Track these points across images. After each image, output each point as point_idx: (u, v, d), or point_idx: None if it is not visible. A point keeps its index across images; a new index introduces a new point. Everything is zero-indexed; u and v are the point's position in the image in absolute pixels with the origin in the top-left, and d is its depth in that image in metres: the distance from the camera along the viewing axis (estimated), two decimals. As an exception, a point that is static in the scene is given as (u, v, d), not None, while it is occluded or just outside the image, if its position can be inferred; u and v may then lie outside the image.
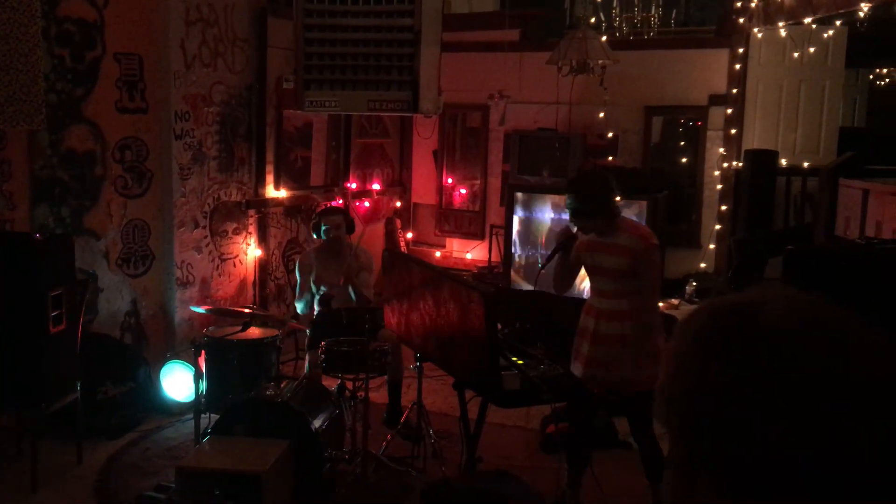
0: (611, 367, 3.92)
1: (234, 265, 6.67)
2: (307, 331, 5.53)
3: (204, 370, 4.67)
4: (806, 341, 0.83)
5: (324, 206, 6.54)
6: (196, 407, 4.60)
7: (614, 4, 8.46)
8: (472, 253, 8.43)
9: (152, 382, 5.64)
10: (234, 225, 6.63)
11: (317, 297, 5.55)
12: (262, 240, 6.90)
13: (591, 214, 4.00)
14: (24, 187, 5.09)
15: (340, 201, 7.40)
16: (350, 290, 5.48)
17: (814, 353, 0.82)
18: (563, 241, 4.13)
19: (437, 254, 8.56)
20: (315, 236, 5.70)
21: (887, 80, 11.71)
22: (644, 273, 3.92)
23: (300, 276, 5.68)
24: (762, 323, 0.85)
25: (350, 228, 5.68)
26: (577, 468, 4.19)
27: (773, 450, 0.80)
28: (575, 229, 4.13)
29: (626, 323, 3.93)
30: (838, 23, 6.91)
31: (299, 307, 5.75)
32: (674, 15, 8.76)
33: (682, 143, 7.81)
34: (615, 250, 3.97)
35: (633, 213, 6.78)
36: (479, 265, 8.12)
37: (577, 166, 7.33)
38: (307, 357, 5.31)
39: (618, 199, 4.06)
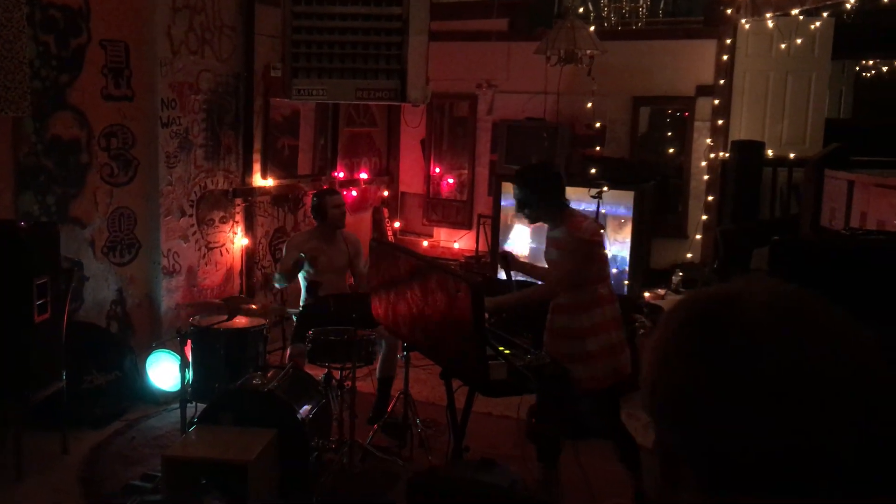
0: (565, 361, 3.96)
1: (221, 254, 6.64)
2: (293, 317, 5.51)
3: (190, 359, 4.66)
4: (784, 333, 0.82)
5: (322, 189, 6.51)
6: (182, 396, 4.59)
7: (603, -6, 8.44)
8: (459, 242, 8.43)
9: (138, 371, 5.62)
10: (221, 213, 6.60)
11: (303, 284, 5.53)
12: (249, 228, 6.88)
13: (533, 205, 4.14)
14: (9, 175, 5.05)
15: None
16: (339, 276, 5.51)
17: (791, 345, 0.81)
18: (504, 265, 4.40)
19: (425, 243, 8.55)
20: (315, 218, 5.62)
21: (873, 71, 11.76)
22: (560, 259, 4.05)
23: (287, 251, 5.60)
24: (740, 314, 0.84)
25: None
26: (548, 463, 4.23)
27: (751, 442, 0.80)
28: (508, 248, 4.29)
29: (571, 317, 4.07)
30: (825, 14, 6.93)
31: (277, 281, 5.68)
32: (662, 5, 8.74)
33: (670, 134, 7.83)
34: (553, 244, 4.16)
35: (620, 203, 6.79)
36: (467, 255, 8.12)
37: (565, 156, 7.34)
38: (289, 349, 5.30)
39: (563, 192, 4.15)
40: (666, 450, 0.89)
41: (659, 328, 0.91)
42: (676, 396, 0.86)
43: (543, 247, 4.37)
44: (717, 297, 0.89)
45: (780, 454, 0.80)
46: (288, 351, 5.30)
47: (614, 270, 6.90)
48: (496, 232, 7.31)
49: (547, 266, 4.26)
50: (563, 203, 4.14)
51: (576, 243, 3.98)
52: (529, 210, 4.17)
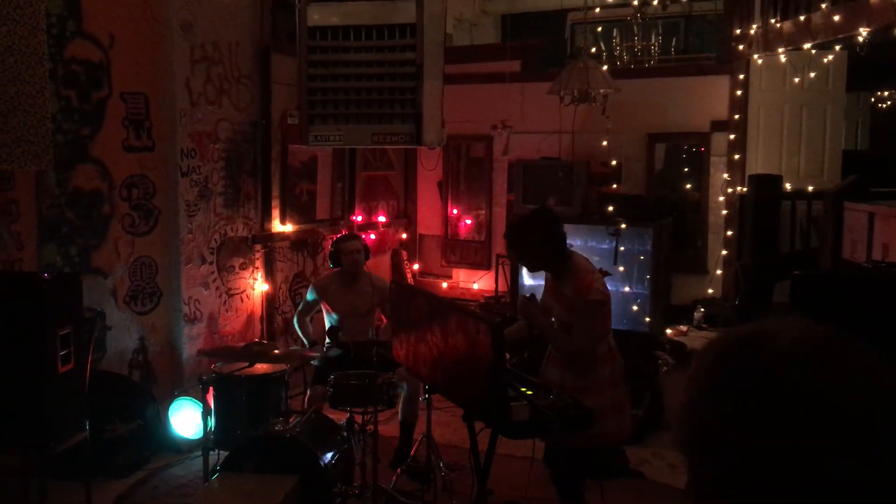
0: None
1: (242, 300, 6.67)
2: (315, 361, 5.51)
3: (212, 407, 4.66)
4: (813, 372, 0.84)
5: (341, 234, 6.57)
6: (204, 444, 4.59)
7: (614, 34, 8.53)
8: (478, 283, 8.43)
9: (160, 420, 5.62)
10: (241, 260, 6.65)
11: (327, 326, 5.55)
12: (269, 274, 6.91)
13: (528, 260, 4.03)
14: (32, 227, 5.12)
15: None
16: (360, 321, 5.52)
17: (821, 384, 0.83)
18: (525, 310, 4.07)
19: (444, 284, 8.56)
20: (332, 266, 5.66)
21: (889, 102, 11.74)
22: (578, 326, 3.90)
23: (310, 295, 5.72)
24: (771, 354, 0.86)
25: (367, 254, 5.70)
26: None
27: (783, 478, 0.81)
28: (529, 294, 4.12)
29: (565, 372, 3.98)
30: (838, 48, 6.94)
31: (295, 322, 5.85)
32: (674, 43, 8.82)
33: (686, 170, 7.83)
34: (559, 298, 3.99)
35: (638, 239, 6.78)
36: (486, 295, 8.11)
37: (582, 194, 7.35)
38: (308, 392, 5.29)
39: (560, 240, 3.97)
40: (698, 483, 0.90)
41: (693, 365, 0.93)
42: (708, 431, 0.88)
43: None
44: (750, 333, 0.91)
45: (814, 484, 0.80)
46: (308, 393, 5.28)
47: (635, 308, 6.87)
48: (515, 272, 7.30)
49: (552, 314, 4.08)
50: (564, 254, 3.96)
51: (590, 307, 3.86)
52: (525, 265, 4.11)
